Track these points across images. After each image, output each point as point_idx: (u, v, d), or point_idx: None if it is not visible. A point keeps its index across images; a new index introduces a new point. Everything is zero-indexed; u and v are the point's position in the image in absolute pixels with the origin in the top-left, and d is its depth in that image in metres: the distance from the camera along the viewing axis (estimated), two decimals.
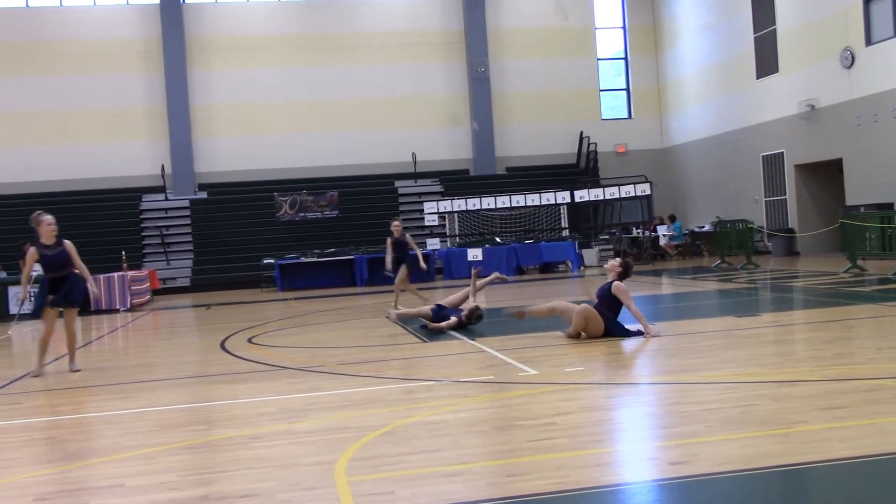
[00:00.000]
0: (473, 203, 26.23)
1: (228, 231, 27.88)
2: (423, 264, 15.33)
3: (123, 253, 22.24)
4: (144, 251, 27.58)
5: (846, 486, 4.33)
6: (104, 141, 29.01)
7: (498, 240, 25.72)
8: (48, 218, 9.59)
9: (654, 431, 5.62)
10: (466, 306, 11.51)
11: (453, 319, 11.09)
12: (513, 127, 31.25)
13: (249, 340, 11.77)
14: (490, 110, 30.88)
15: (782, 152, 25.21)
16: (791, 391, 6.33)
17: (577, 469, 4.69)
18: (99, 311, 18.70)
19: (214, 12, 30.07)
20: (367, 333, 12.11)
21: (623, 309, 9.71)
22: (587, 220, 28.33)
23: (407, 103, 30.56)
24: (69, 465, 5.45)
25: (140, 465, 5.32)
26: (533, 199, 26.05)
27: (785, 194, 25.32)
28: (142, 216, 28.37)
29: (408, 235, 15.53)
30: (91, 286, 9.91)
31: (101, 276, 18.63)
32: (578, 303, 10.00)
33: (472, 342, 10.00)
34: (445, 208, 26.52)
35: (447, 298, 11.98)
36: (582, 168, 30.85)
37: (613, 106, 32.84)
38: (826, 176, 24.06)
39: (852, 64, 21.96)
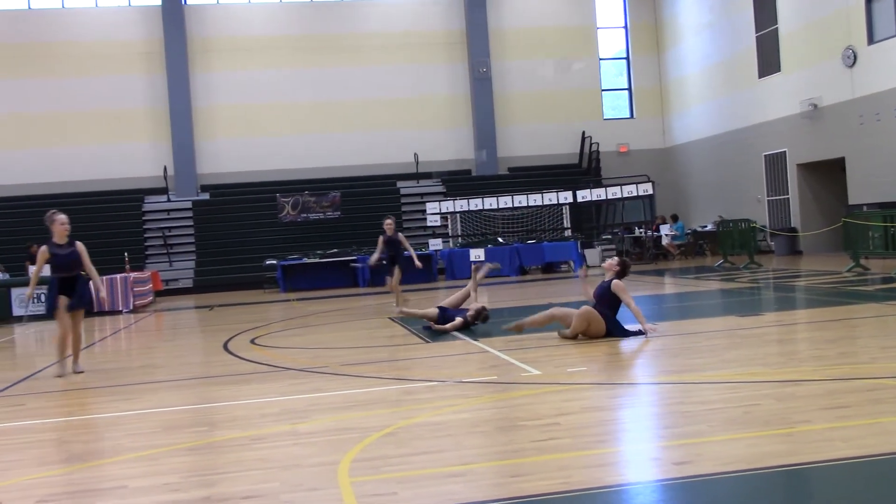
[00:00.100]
0: (476, 203, 26.22)
1: (231, 232, 27.90)
2: (418, 263, 15.10)
3: (126, 254, 22.24)
4: (147, 252, 27.59)
5: (850, 485, 4.32)
6: (106, 142, 29.05)
7: (500, 240, 25.73)
8: (62, 217, 9.60)
9: (657, 431, 5.61)
10: (469, 305, 11.51)
11: (458, 320, 11.07)
12: (515, 127, 31.26)
13: (252, 341, 11.77)
14: (492, 110, 30.88)
15: (785, 151, 25.18)
16: (794, 391, 6.32)
17: (580, 469, 4.68)
18: (102, 313, 18.73)
19: (216, 14, 30.09)
20: (369, 334, 12.11)
21: (621, 309, 9.69)
22: (589, 220, 28.35)
23: (408, 104, 30.57)
24: (72, 467, 5.45)
25: (143, 467, 5.32)
26: (535, 200, 26.03)
27: (787, 193, 25.29)
28: (144, 217, 28.40)
29: (401, 235, 15.03)
30: (102, 291, 9.92)
31: (104, 278, 18.62)
32: (578, 305, 9.98)
33: (475, 342, 9.99)
34: (448, 209, 26.52)
35: (447, 299, 11.94)
36: (584, 168, 30.85)
37: (615, 106, 32.82)
38: (829, 175, 24.04)
39: (854, 63, 21.94)
